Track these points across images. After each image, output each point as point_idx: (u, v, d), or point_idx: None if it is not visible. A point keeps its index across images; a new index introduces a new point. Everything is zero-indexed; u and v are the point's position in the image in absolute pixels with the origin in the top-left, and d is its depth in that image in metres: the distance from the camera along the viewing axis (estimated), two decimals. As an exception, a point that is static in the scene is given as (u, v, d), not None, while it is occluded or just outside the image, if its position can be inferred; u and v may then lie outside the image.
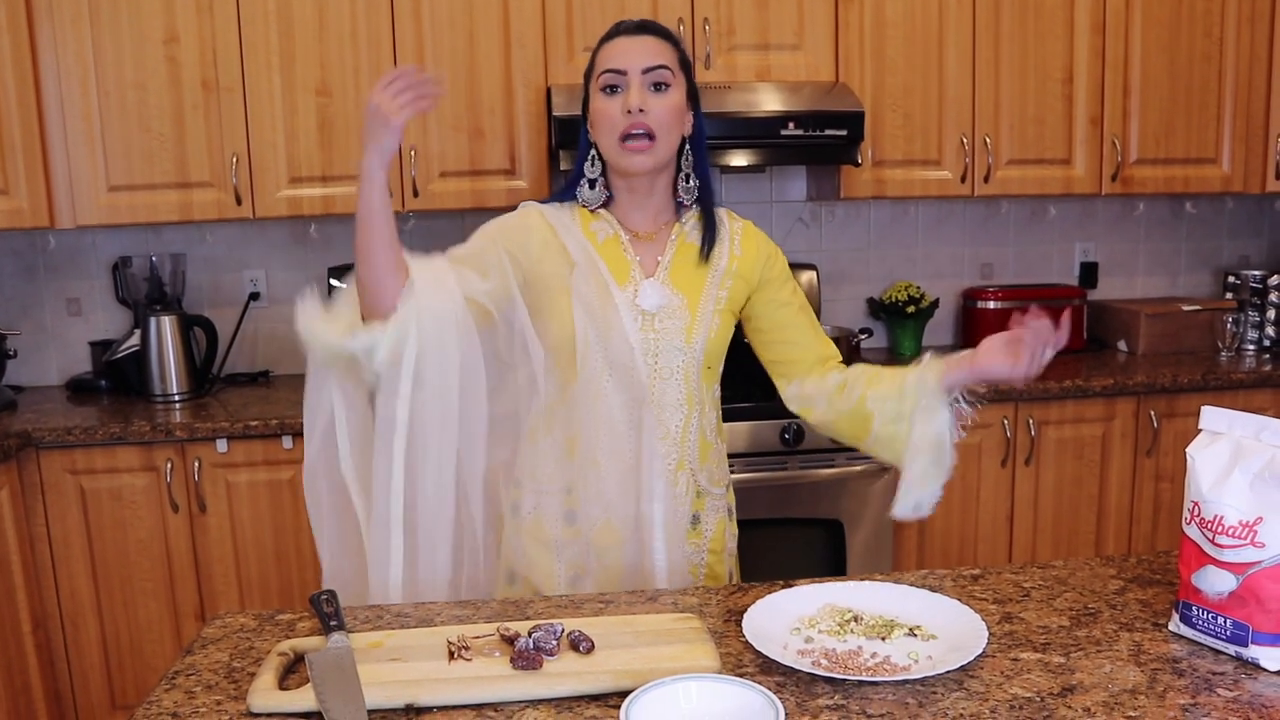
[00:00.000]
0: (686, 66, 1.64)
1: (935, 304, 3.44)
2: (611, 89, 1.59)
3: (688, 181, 1.68)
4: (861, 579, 1.38)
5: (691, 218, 1.70)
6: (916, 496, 1.53)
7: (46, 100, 2.78)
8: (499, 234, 1.65)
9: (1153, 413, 3.01)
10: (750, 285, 1.70)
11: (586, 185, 1.67)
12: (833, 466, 2.76)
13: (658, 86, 1.58)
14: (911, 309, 3.37)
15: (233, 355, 3.20)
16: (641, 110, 1.56)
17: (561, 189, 1.72)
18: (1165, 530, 3.07)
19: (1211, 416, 1.22)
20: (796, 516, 2.79)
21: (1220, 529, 1.16)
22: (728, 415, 2.71)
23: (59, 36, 2.76)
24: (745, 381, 2.98)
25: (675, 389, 1.64)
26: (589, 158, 1.66)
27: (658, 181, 1.65)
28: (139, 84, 2.81)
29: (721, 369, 1.74)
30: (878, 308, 3.47)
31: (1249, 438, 1.18)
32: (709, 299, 1.66)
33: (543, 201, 1.71)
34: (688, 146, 1.67)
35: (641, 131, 1.56)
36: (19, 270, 3.18)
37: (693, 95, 1.66)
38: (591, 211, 1.68)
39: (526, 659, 1.16)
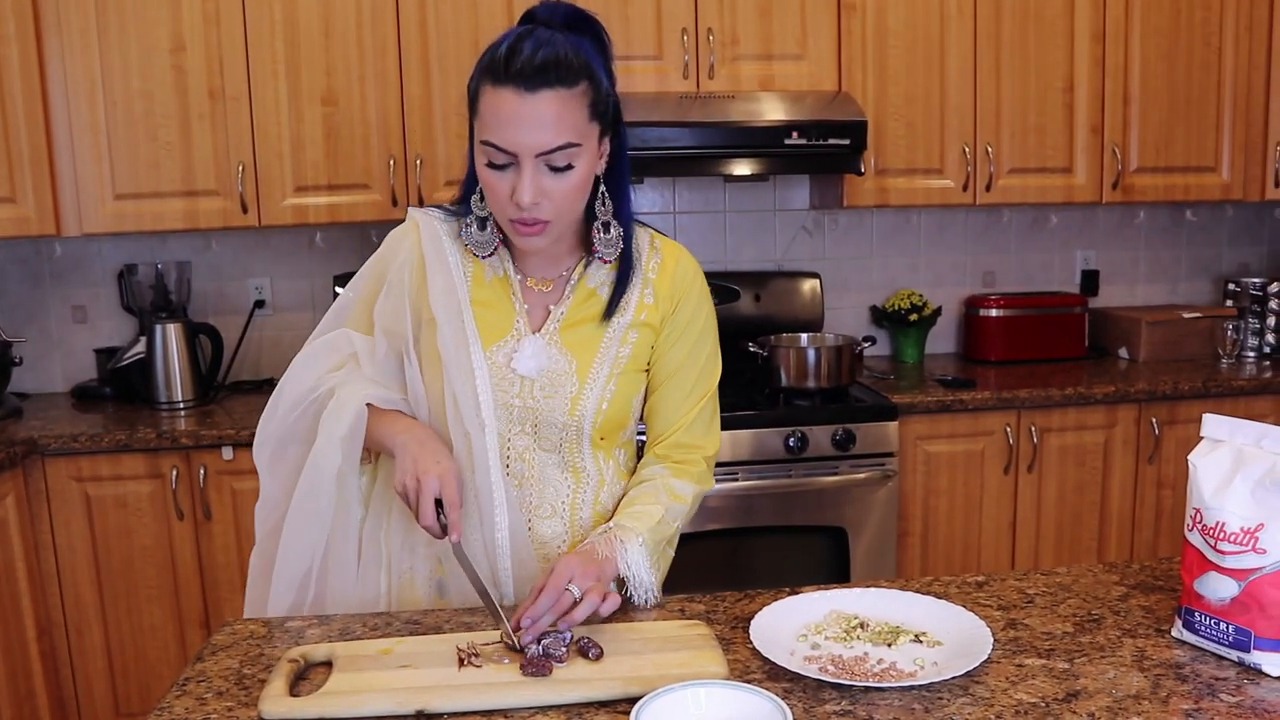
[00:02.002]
0: (600, 103, 1.33)
1: (938, 312, 3.45)
2: (500, 165, 1.30)
3: (606, 232, 1.41)
4: (867, 585, 1.39)
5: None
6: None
7: (54, 108, 2.79)
8: (374, 289, 1.47)
9: (1154, 420, 3.01)
10: (658, 332, 1.48)
11: (475, 224, 1.41)
12: (836, 474, 2.77)
13: (557, 167, 1.30)
14: (914, 317, 3.39)
15: (237, 363, 3.21)
16: (536, 203, 1.30)
17: (460, 196, 1.46)
18: (1167, 537, 3.08)
19: (1213, 424, 1.23)
20: (800, 524, 2.80)
21: (1222, 535, 1.17)
22: (732, 423, 2.75)
23: (66, 46, 2.78)
24: (747, 388, 3.00)
25: (559, 460, 1.45)
26: (479, 190, 1.38)
27: (560, 238, 1.42)
28: (145, 93, 2.83)
29: (631, 432, 1.53)
30: (880, 316, 3.49)
31: (1250, 445, 1.19)
32: (605, 361, 1.43)
33: (446, 206, 1.49)
34: (603, 189, 1.40)
35: (534, 222, 1.32)
36: (25, 277, 3.20)
37: (614, 122, 1.38)
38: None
39: (536, 665, 1.17)
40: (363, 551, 1.49)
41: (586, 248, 1.45)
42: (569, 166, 1.30)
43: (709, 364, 1.52)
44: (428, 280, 1.42)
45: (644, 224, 1.51)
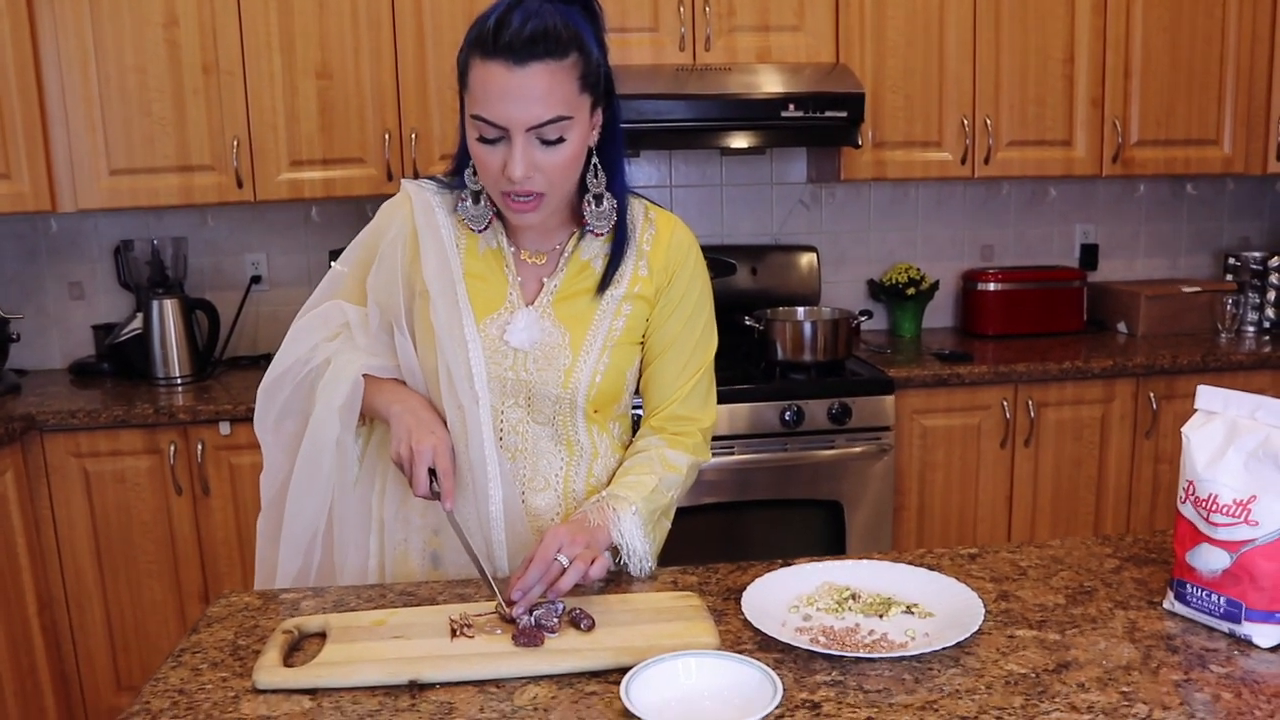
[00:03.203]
0: (591, 75, 1.31)
1: (935, 286, 3.44)
2: (491, 139, 1.29)
3: (598, 204, 1.39)
4: (860, 558, 1.39)
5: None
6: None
7: (47, 84, 2.78)
8: (367, 261, 1.47)
9: (1152, 394, 3.01)
10: (653, 305, 1.47)
11: (470, 198, 1.40)
12: (832, 448, 2.77)
13: (549, 140, 1.29)
14: (911, 291, 3.38)
15: (235, 338, 3.21)
16: (528, 177, 1.29)
17: (453, 168, 1.45)
18: (1163, 511, 3.09)
19: (1207, 396, 1.23)
20: (796, 498, 2.80)
21: (1215, 507, 1.17)
22: (728, 397, 2.74)
23: (59, 20, 2.76)
24: (743, 362, 3.00)
25: (552, 433, 1.45)
26: (471, 164, 1.36)
27: (554, 212, 1.40)
28: (139, 67, 2.81)
29: (626, 405, 1.53)
30: (878, 289, 3.48)
31: (1244, 417, 1.19)
32: (598, 333, 1.43)
33: (439, 178, 1.48)
34: (595, 161, 1.38)
35: (527, 196, 1.31)
36: (21, 254, 3.19)
37: (605, 93, 1.36)
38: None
39: (529, 636, 1.17)
40: (355, 513, 1.51)
41: (580, 220, 1.44)
42: (560, 139, 1.29)
43: (705, 336, 1.52)
44: (420, 253, 1.42)
45: (639, 195, 1.50)
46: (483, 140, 1.29)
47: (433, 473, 1.36)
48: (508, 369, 1.42)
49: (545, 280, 1.44)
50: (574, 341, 1.42)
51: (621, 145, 1.43)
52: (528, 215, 1.34)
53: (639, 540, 1.38)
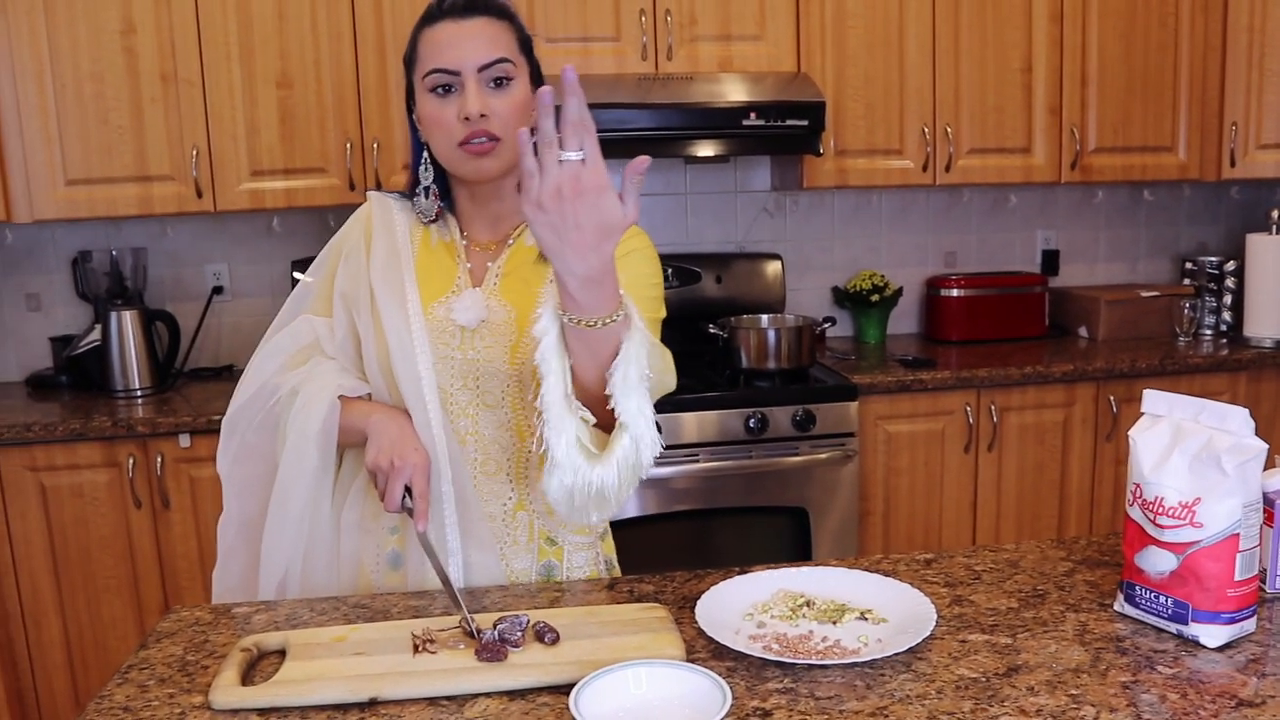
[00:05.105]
0: (527, 46, 1.44)
1: (899, 292, 3.46)
2: (444, 89, 1.37)
3: None
4: (815, 564, 1.39)
5: None
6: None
7: (1, 93, 2.74)
8: (334, 268, 1.51)
9: (1112, 398, 3.05)
10: None
11: (422, 194, 1.48)
12: (797, 455, 2.78)
13: (498, 82, 1.38)
14: (876, 298, 3.40)
15: (196, 350, 3.18)
16: (483, 115, 1.36)
17: (409, 181, 1.54)
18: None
19: (1153, 399, 1.25)
20: (763, 505, 2.81)
21: (1161, 510, 1.18)
22: (692, 405, 2.75)
23: (13, 27, 2.72)
24: (707, 370, 3.00)
25: (502, 418, 1.44)
26: (422, 161, 1.47)
27: (504, 185, 1.45)
28: (96, 76, 2.78)
29: None
30: (842, 296, 3.50)
31: (1188, 420, 1.20)
32: (546, 308, 1.43)
33: (402, 192, 1.55)
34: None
35: (482, 138, 1.37)
36: (-23, 266, 3.15)
37: (536, 77, 1.46)
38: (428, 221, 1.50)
39: (491, 651, 1.15)
40: (328, 542, 1.50)
41: None
42: (508, 80, 1.38)
43: (655, 298, 1.45)
44: (372, 243, 1.48)
45: None
46: (437, 94, 1.38)
47: (407, 491, 1.35)
48: (455, 348, 1.43)
49: (490, 264, 1.48)
50: (520, 318, 1.43)
51: None
52: (485, 161, 1.38)
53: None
